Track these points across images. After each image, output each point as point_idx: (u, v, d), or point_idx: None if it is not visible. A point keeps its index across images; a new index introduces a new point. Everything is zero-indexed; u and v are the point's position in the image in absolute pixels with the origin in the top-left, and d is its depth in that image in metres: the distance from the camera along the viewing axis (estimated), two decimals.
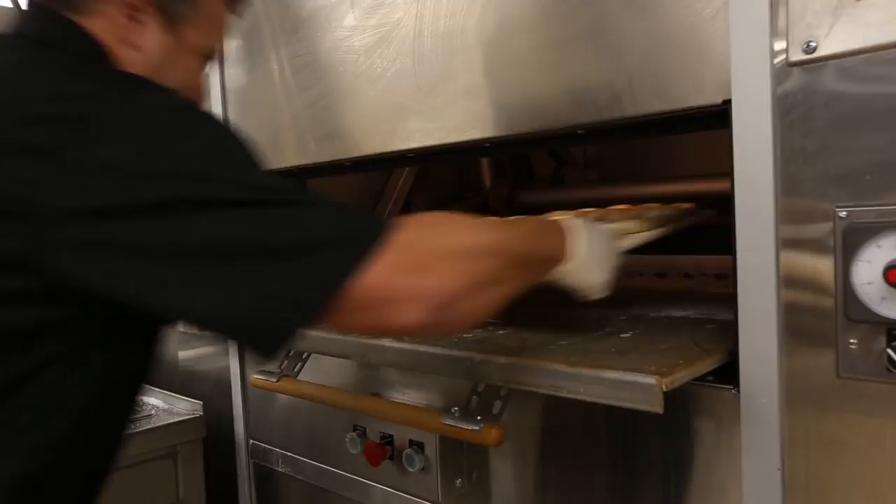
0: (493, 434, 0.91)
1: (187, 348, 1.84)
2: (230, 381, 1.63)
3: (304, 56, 1.35)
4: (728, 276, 1.16)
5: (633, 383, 0.74)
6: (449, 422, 0.95)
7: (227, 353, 1.64)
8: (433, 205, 2.03)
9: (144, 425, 1.60)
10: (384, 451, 1.14)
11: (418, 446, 1.11)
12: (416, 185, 1.95)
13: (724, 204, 0.83)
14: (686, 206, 1.23)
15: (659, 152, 1.83)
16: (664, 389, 0.72)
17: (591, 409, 0.96)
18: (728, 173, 0.80)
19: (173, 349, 1.93)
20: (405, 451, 1.11)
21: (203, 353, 1.78)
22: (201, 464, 1.68)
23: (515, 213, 2.02)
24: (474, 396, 0.97)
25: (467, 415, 0.95)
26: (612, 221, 1.14)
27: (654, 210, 1.21)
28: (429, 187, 2.00)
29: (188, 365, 1.84)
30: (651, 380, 0.73)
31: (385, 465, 1.16)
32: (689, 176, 1.62)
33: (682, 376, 0.75)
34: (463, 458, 1.11)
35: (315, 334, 1.12)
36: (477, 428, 0.93)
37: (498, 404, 0.94)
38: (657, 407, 0.72)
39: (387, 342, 1.00)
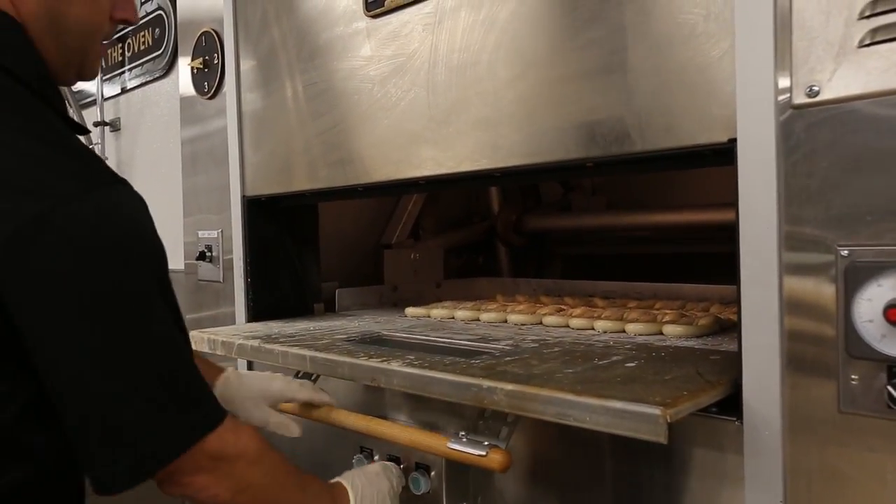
0: (499, 459, 0.93)
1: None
2: None
3: (319, 84, 1.38)
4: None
5: (637, 413, 0.76)
6: (456, 446, 0.97)
7: None
8: (442, 228, 2.05)
9: None
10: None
11: (425, 469, 1.12)
12: (425, 209, 1.98)
13: (729, 233, 0.85)
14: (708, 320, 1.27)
15: (666, 180, 1.85)
16: (668, 420, 0.73)
17: (596, 437, 0.97)
18: (733, 204, 0.83)
19: None
20: (412, 474, 1.13)
21: None
22: None
23: (523, 237, 2.05)
24: (481, 422, 0.98)
25: (474, 439, 0.96)
26: (634, 321, 1.27)
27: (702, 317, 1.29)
28: (438, 211, 2.03)
29: None
30: (655, 410, 0.74)
31: None
32: (695, 205, 1.64)
33: (685, 407, 0.77)
34: (468, 482, 1.12)
35: (323, 356, 1.14)
36: (483, 453, 0.94)
37: (505, 430, 0.96)
38: (661, 437, 0.73)
39: (395, 366, 1.02)
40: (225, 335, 1.38)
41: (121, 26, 0.97)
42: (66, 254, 0.71)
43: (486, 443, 0.95)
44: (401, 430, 1.09)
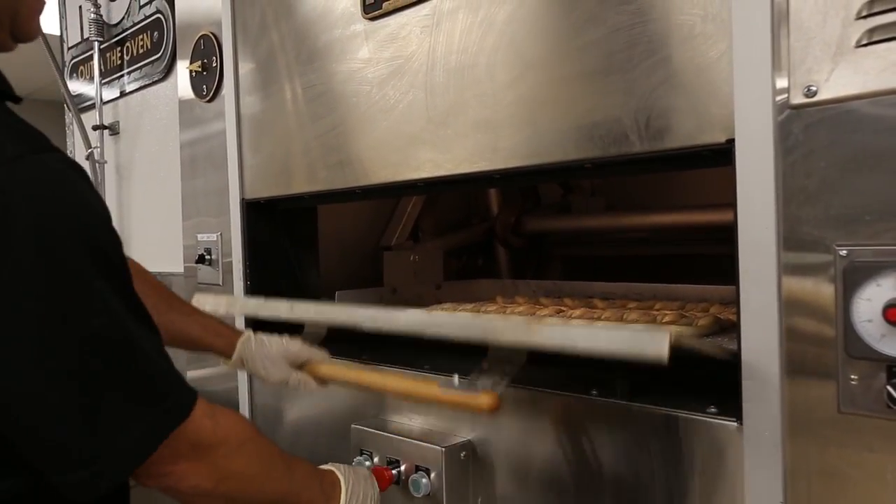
0: (486, 400, 0.93)
1: (196, 368, 1.86)
2: (238, 402, 1.65)
3: (318, 86, 1.38)
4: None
5: (641, 336, 0.77)
6: (447, 390, 0.97)
7: (235, 375, 1.66)
8: (441, 230, 2.05)
9: None
10: (391, 475, 1.15)
11: (424, 471, 1.12)
12: (424, 211, 1.98)
13: (728, 233, 0.85)
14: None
15: (665, 180, 1.85)
16: (671, 339, 0.74)
17: (598, 439, 0.97)
18: (732, 204, 0.83)
19: (182, 370, 1.95)
20: (412, 476, 1.12)
21: (211, 374, 1.80)
22: None
23: (523, 239, 2.05)
24: (475, 373, 0.98)
25: (466, 386, 0.97)
26: (634, 321, 1.23)
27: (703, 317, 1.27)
28: (437, 213, 2.03)
29: (196, 385, 1.85)
30: (660, 331, 0.76)
31: (391, 490, 1.17)
32: (694, 206, 1.64)
33: (687, 337, 0.78)
34: (469, 484, 1.12)
35: (328, 306, 1.15)
36: (473, 394, 0.94)
37: (499, 382, 0.96)
38: (663, 353, 0.73)
39: (400, 308, 1.03)
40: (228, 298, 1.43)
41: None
42: None
43: (477, 386, 0.95)
44: (392, 379, 1.10)
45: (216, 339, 1.24)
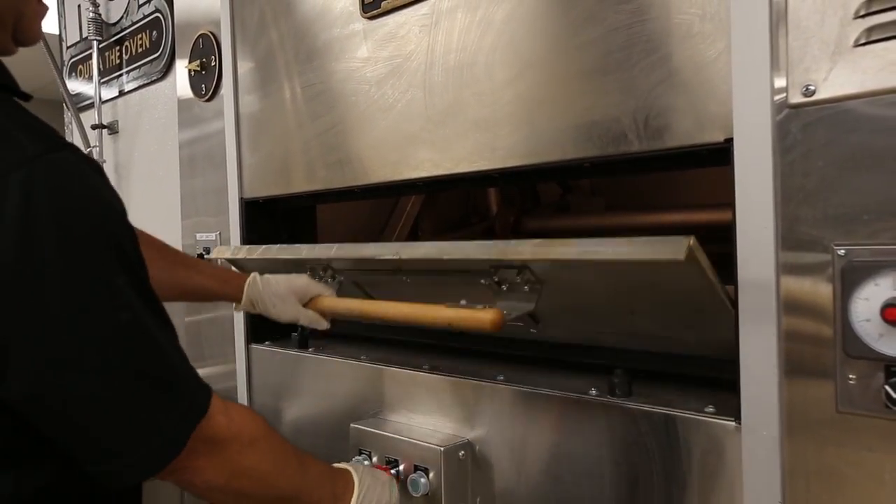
0: (490, 315, 0.93)
1: (195, 367, 1.86)
2: (236, 401, 1.64)
3: (317, 85, 1.38)
4: None
5: (662, 241, 0.78)
6: (454, 309, 0.99)
7: (234, 374, 1.66)
8: (440, 229, 2.05)
9: None
10: (389, 475, 1.15)
11: (423, 471, 1.12)
12: (423, 210, 1.98)
13: (727, 233, 0.85)
14: None
15: (665, 180, 1.85)
16: (690, 244, 0.75)
17: (596, 439, 0.97)
18: (730, 204, 0.83)
19: None
20: (410, 476, 1.12)
21: (210, 374, 1.80)
22: None
23: (522, 238, 2.05)
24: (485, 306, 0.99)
25: (471, 306, 0.98)
26: None
27: None
28: (436, 212, 2.03)
29: None
30: (679, 237, 0.77)
31: None
32: (693, 205, 1.64)
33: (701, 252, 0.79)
34: (467, 484, 1.12)
35: (348, 244, 1.17)
36: (477, 307, 0.96)
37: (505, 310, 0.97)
38: (680, 254, 0.75)
39: (418, 242, 1.04)
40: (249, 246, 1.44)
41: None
42: None
43: (480, 306, 0.96)
44: (398, 306, 1.10)
45: (224, 286, 1.26)
